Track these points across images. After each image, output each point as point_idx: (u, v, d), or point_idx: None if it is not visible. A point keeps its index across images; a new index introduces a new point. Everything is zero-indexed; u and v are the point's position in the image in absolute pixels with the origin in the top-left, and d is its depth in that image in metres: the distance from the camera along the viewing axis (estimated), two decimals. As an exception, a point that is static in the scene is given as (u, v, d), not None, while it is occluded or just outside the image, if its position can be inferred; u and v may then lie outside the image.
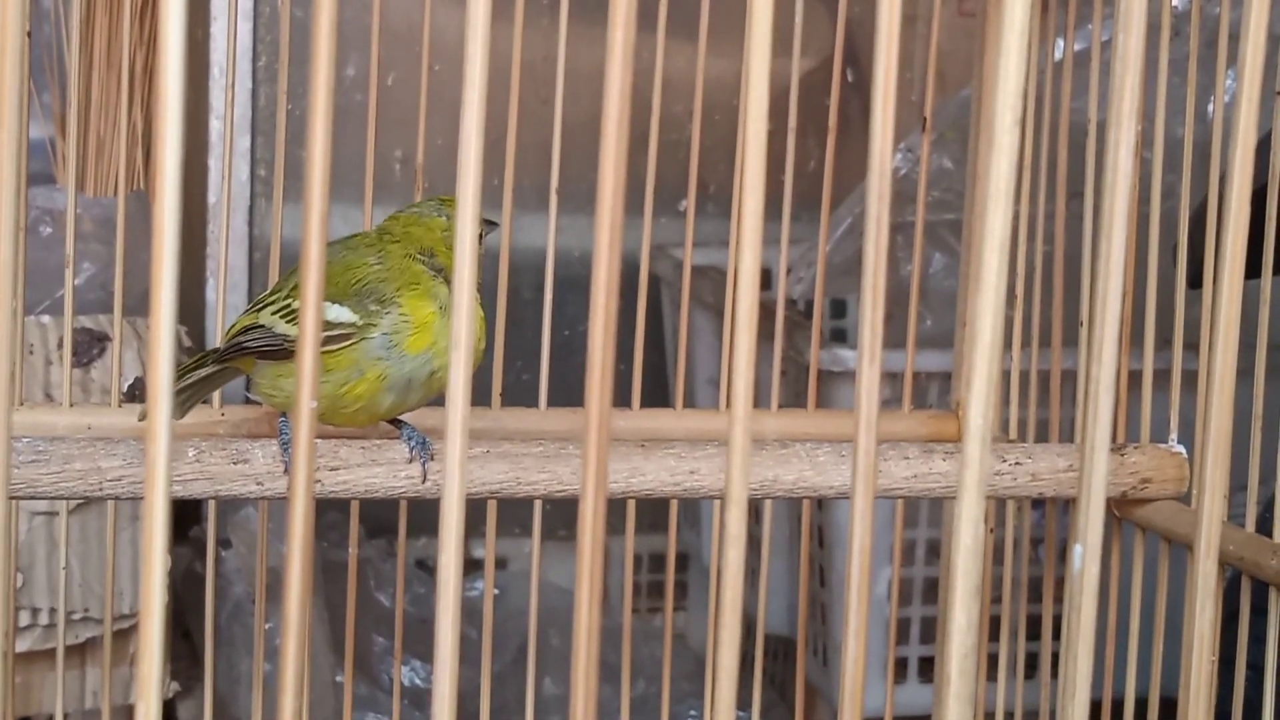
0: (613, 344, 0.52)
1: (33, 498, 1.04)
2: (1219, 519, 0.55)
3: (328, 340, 1.06)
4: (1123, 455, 1.16)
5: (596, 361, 0.52)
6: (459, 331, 0.52)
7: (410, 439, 1.09)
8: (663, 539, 1.60)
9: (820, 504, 1.75)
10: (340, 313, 1.08)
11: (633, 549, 1.37)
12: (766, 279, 2.21)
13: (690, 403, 1.39)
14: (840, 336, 2.07)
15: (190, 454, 1.03)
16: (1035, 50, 1.35)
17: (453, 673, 0.51)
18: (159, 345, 0.49)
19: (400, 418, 1.11)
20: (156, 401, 0.49)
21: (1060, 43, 1.45)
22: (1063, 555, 1.50)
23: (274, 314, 1.12)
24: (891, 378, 1.74)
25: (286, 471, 1.06)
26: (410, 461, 1.08)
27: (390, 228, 1.14)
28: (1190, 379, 1.19)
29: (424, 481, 1.08)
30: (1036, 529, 1.59)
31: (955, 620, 0.54)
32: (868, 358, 0.53)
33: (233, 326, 1.15)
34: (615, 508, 2.13)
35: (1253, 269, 1.13)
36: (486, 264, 1.17)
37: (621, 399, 1.37)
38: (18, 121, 0.49)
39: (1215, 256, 1.11)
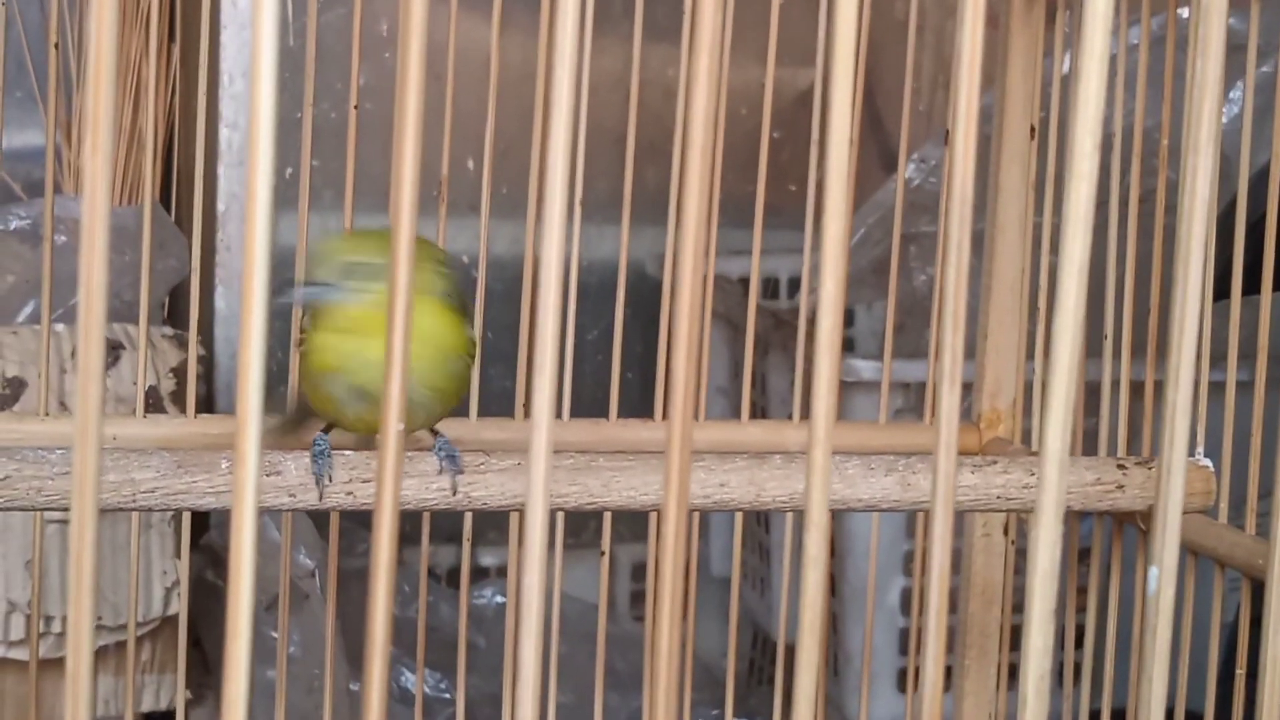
0: (695, 363, 0.52)
1: (65, 509, 1.04)
2: (1292, 541, 0.56)
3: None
4: (1149, 469, 1.17)
5: (680, 380, 0.52)
6: (542, 356, 0.52)
7: (440, 450, 1.08)
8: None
9: (833, 514, 1.76)
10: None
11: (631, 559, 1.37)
12: (774, 288, 2.21)
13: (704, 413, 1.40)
14: (848, 346, 2.08)
15: (224, 465, 1.03)
16: (1040, 62, 1.36)
17: (536, 693, 0.52)
18: (249, 368, 0.49)
19: (436, 427, 1.11)
20: (246, 424, 0.49)
21: (1069, 56, 1.46)
22: (1080, 566, 1.51)
23: None
24: (904, 388, 1.75)
25: (318, 484, 1.06)
26: (440, 473, 1.08)
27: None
28: (1216, 391, 1.19)
29: (454, 494, 1.08)
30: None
31: (1033, 643, 0.54)
32: (948, 382, 0.53)
33: None
34: (625, 517, 2.14)
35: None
36: (495, 272, 1.16)
37: (634, 409, 1.37)
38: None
39: (1254, 270, 1.12)
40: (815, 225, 1.39)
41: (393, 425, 0.51)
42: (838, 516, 1.77)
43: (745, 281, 1.91)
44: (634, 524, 2.23)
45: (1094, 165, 0.53)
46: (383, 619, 0.51)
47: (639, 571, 2.27)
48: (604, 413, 1.35)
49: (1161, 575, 0.54)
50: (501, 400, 1.38)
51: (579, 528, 2.12)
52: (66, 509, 1.02)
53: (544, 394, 0.52)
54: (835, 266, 0.52)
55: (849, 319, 2.10)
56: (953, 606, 1.54)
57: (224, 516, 1.35)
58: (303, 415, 1.16)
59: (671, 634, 0.53)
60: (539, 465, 0.52)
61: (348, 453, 1.07)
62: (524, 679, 0.52)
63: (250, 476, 0.49)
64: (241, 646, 0.50)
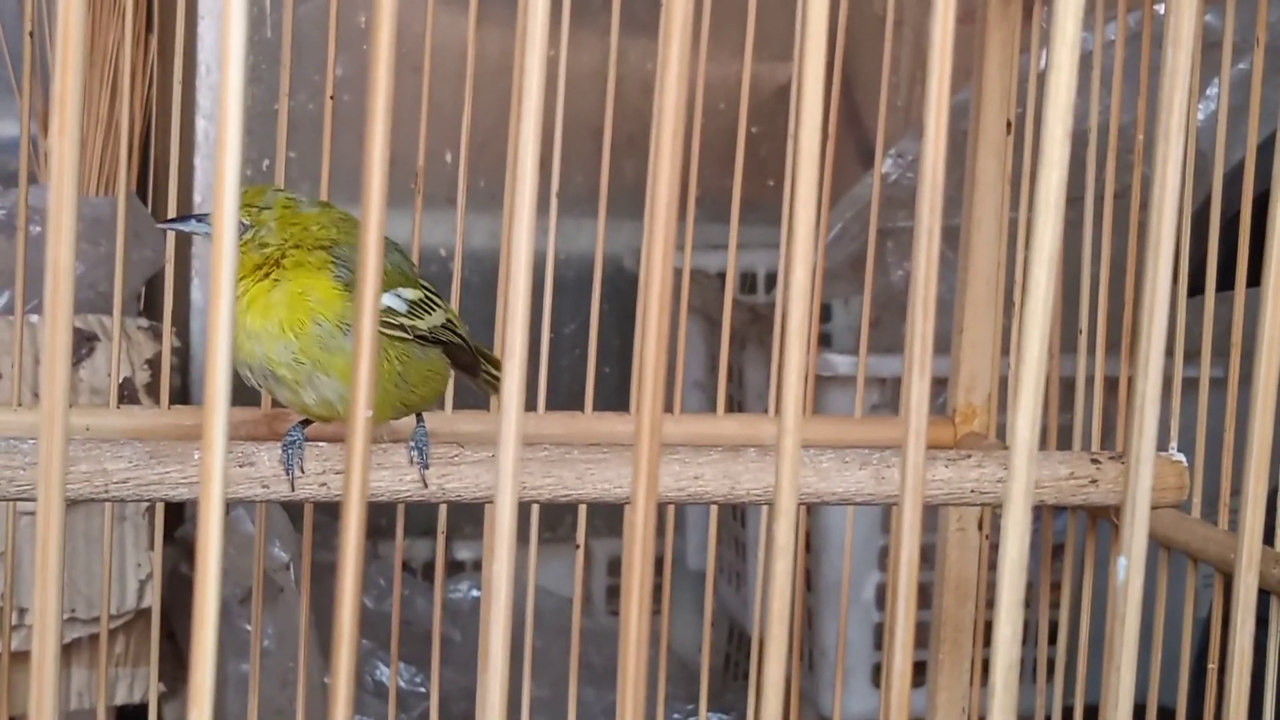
0: (664, 356, 0.52)
1: (31, 499, 1.04)
2: (1259, 534, 0.56)
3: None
4: (1123, 464, 1.17)
5: (649, 373, 0.52)
6: (512, 342, 0.51)
7: (412, 444, 1.08)
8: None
9: (808, 508, 1.76)
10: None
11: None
12: (751, 283, 2.21)
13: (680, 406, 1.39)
14: (825, 341, 2.08)
15: (196, 456, 1.03)
16: (1016, 57, 1.36)
17: (503, 682, 0.51)
18: (216, 364, 0.49)
19: (418, 416, 1.10)
20: (214, 412, 0.49)
21: (1045, 52, 1.46)
22: (1054, 562, 1.51)
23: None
24: (880, 383, 1.75)
25: (288, 474, 1.05)
26: (411, 464, 1.08)
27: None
28: (1189, 387, 1.19)
29: (426, 487, 1.08)
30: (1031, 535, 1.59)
31: (1001, 632, 0.54)
32: (917, 370, 0.53)
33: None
34: (601, 510, 2.13)
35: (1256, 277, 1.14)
36: (472, 265, 1.15)
37: (610, 403, 1.37)
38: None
39: (1227, 266, 1.12)
40: (793, 220, 1.38)
41: (360, 413, 0.50)
42: (814, 511, 1.78)
43: (723, 276, 1.91)
44: (610, 518, 2.23)
45: (1065, 153, 0.53)
46: (350, 609, 0.51)
47: (615, 566, 2.27)
48: (582, 406, 1.35)
49: (1130, 565, 0.54)
50: (478, 393, 1.38)
51: (555, 522, 2.12)
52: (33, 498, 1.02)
53: (513, 381, 0.52)
54: (804, 254, 0.52)
55: (826, 314, 2.10)
56: (927, 601, 1.55)
57: (198, 508, 1.34)
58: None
59: (640, 626, 0.53)
60: (507, 453, 0.51)
61: (321, 444, 1.07)
62: (491, 669, 0.52)
63: (217, 464, 0.49)
64: (208, 637, 0.50)
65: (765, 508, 1.45)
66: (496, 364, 1.19)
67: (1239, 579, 0.55)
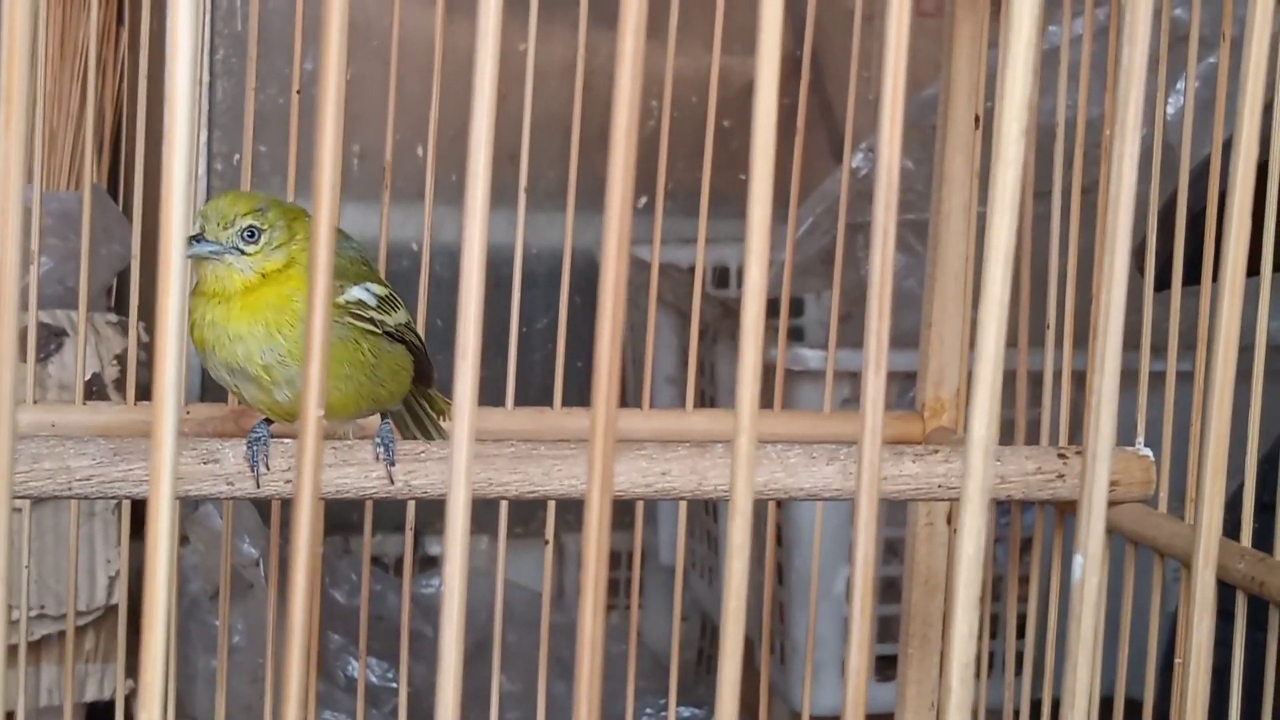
0: (619, 353, 0.52)
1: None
2: (1218, 530, 0.56)
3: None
4: (1090, 458, 1.17)
5: (604, 371, 0.51)
6: (465, 342, 0.51)
7: (378, 441, 1.08)
8: (619, 537, 1.60)
9: (780, 503, 1.76)
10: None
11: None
12: (723, 277, 2.21)
13: (650, 401, 1.39)
14: (797, 335, 2.08)
15: (160, 453, 1.02)
16: (985, 52, 1.36)
17: (457, 679, 0.51)
18: (166, 354, 0.48)
19: (383, 413, 1.10)
20: (163, 409, 0.48)
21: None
22: (1024, 555, 1.51)
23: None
24: (851, 378, 1.75)
25: (253, 471, 1.05)
26: (377, 460, 1.07)
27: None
28: (1156, 381, 1.20)
29: (393, 483, 1.08)
30: (997, 528, 1.60)
31: (957, 629, 0.54)
32: (874, 367, 0.53)
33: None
34: (574, 506, 2.13)
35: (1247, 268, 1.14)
36: (445, 260, 1.14)
37: (583, 398, 1.37)
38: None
39: (1193, 261, 1.12)
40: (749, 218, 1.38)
41: (312, 411, 0.50)
42: (785, 506, 1.77)
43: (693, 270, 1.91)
44: (582, 513, 2.22)
45: (1020, 151, 0.53)
46: (303, 607, 0.50)
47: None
48: (552, 402, 1.35)
49: (1086, 563, 0.54)
50: (448, 388, 1.37)
51: (527, 517, 2.12)
52: None
53: (466, 380, 0.51)
54: (759, 252, 0.52)
55: (798, 309, 2.10)
56: (896, 596, 1.55)
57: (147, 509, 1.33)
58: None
59: (595, 622, 0.53)
60: (461, 451, 0.51)
61: (288, 441, 1.06)
62: (445, 666, 0.52)
63: (167, 463, 0.49)
64: (157, 640, 0.49)
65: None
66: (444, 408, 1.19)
67: (1196, 576, 0.55)
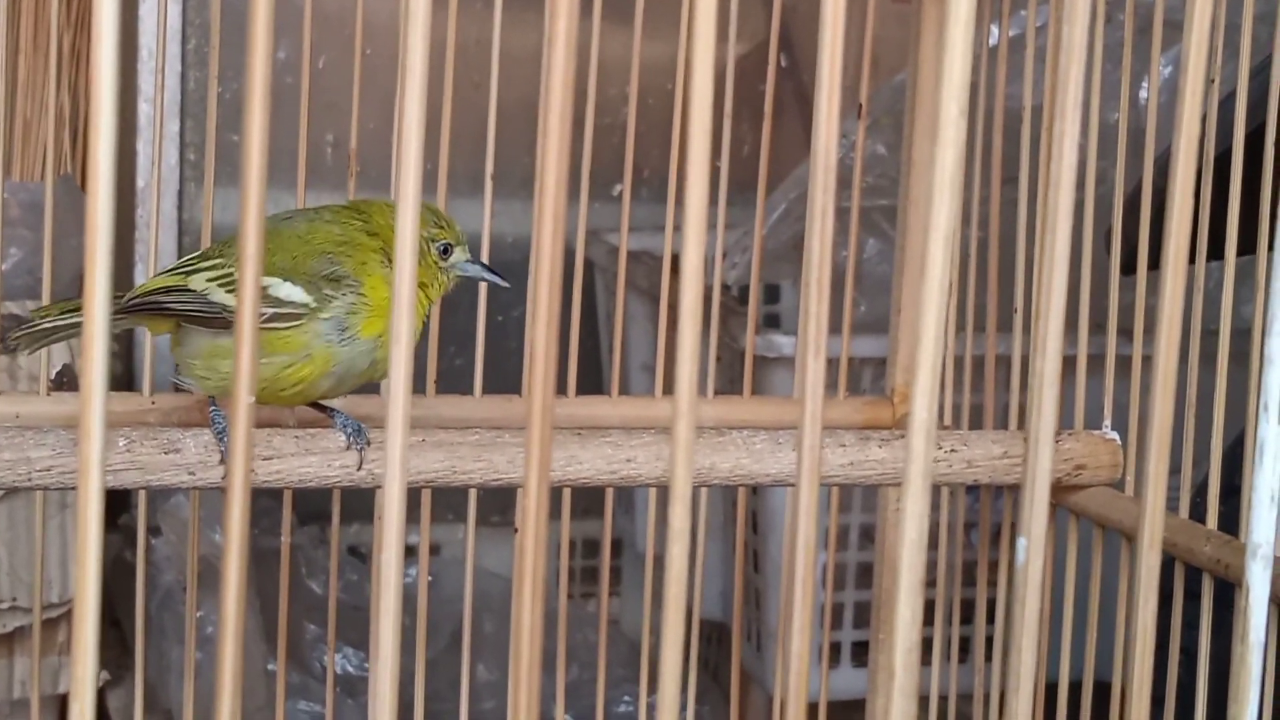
0: (555, 337, 0.51)
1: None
2: (1161, 511, 0.55)
3: (275, 319, 1.03)
4: (1057, 442, 1.17)
5: (540, 354, 0.51)
6: (399, 325, 0.51)
7: (345, 426, 1.07)
8: (596, 524, 1.60)
9: (755, 490, 1.75)
10: (292, 291, 1.04)
11: (568, 535, 1.37)
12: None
13: (624, 389, 1.39)
14: (773, 322, 2.07)
15: (121, 444, 1.02)
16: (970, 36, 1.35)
17: (393, 666, 0.51)
18: (93, 339, 0.48)
19: (328, 403, 1.10)
20: (91, 396, 0.48)
21: (995, 29, 1.45)
22: (995, 540, 1.51)
23: (210, 280, 1.06)
24: (828, 364, 1.74)
25: (223, 461, 1.04)
26: (347, 449, 1.07)
27: (366, 210, 1.10)
28: (1124, 365, 1.19)
29: (360, 469, 1.07)
30: (970, 513, 1.60)
31: (900, 614, 0.54)
32: (812, 351, 0.53)
33: (145, 285, 1.09)
34: (550, 493, 2.12)
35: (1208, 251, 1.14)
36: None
37: (557, 386, 1.36)
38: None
39: (1160, 245, 1.12)
40: (730, 201, 1.38)
41: (243, 399, 0.50)
42: (759, 492, 1.77)
43: (675, 258, 1.91)
44: (559, 501, 2.22)
45: (960, 132, 0.53)
46: (235, 595, 0.50)
47: (570, 549, 2.26)
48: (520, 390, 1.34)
49: (1030, 545, 0.54)
50: (415, 377, 1.37)
51: (504, 505, 2.11)
52: (-40, 488, 1.01)
53: (400, 367, 0.51)
54: (697, 237, 0.52)
55: (775, 295, 2.09)
56: (868, 581, 1.55)
57: (141, 497, 1.33)
58: None
59: (534, 614, 0.53)
60: (396, 436, 0.51)
61: (257, 430, 1.06)
62: (381, 658, 0.51)
63: (95, 453, 0.48)
64: (89, 630, 0.49)
65: (703, 490, 1.45)
66: None
67: (1140, 557, 0.55)
